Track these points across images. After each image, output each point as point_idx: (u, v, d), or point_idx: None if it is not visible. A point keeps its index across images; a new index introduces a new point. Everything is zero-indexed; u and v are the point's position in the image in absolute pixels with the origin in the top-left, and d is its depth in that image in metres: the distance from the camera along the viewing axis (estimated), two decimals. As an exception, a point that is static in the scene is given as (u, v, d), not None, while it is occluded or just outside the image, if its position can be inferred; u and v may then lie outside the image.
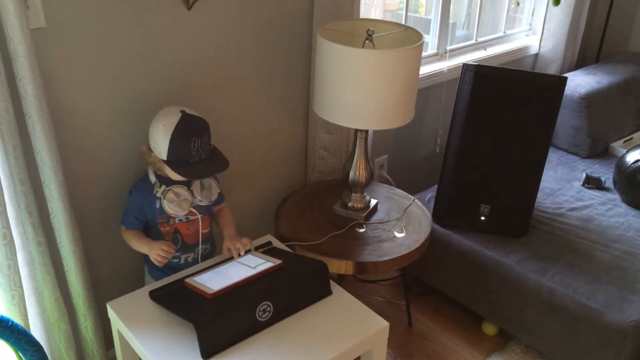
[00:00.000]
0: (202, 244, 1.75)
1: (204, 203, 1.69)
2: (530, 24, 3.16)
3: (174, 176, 1.61)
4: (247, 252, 1.72)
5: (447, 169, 2.19)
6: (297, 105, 2.17)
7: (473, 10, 2.87)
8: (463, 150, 2.13)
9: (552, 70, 3.11)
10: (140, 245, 1.67)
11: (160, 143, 1.56)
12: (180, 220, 1.69)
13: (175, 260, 1.73)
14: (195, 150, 1.56)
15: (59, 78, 1.55)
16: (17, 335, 1.45)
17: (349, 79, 1.77)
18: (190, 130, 1.55)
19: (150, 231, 1.71)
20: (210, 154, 1.61)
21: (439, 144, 2.81)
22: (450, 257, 2.21)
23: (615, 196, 2.45)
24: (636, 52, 3.20)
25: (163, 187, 1.62)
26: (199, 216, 1.70)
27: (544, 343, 2.02)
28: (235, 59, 1.90)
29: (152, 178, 1.64)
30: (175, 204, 1.62)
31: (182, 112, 1.57)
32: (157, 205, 1.65)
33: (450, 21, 2.66)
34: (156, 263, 1.61)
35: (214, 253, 1.82)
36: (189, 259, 1.75)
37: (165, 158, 1.57)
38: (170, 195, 1.62)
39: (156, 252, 1.60)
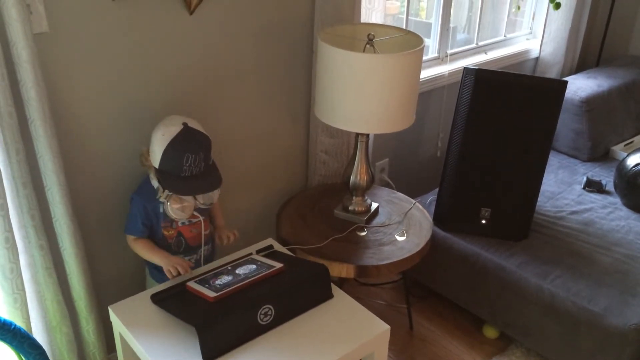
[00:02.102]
0: (204, 245, 1.75)
1: (205, 206, 1.70)
2: (530, 28, 3.16)
3: None
4: (248, 255, 1.73)
5: (448, 173, 2.20)
6: (298, 109, 2.17)
7: (474, 14, 2.87)
8: (464, 154, 2.14)
9: (553, 74, 3.12)
10: (153, 256, 1.66)
11: (155, 150, 1.57)
12: (183, 223, 1.70)
13: None
14: (187, 165, 1.54)
15: (61, 83, 1.56)
16: (20, 339, 1.46)
17: (350, 83, 1.77)
18: (186, 145, 1.54)
19: (153, 236, 1.71)
20: (204, 169, 1.59)
21: (439, 148, 2.82)
22: (451, 261, 2.22)
23: (616, 199, 2.45)
24: (636, 56, 3.21)
25: (166, 192, 1.62)
26: (201, 219, 1.71)
27: (545, 346, 2.03)
28: (237, 63, 1.91)
29: (155, 183, 1.63)
30: (178, 208, 1.62)
31: (184, 124, 1.56)
32: (161, 210, 1.65)
33: (451, 25, 2.66)
34: (168, 275, 1.60)
35: (214, 254, 1.83)
36: (192, 261, 1.75)
37: (157, 166, 1.58)
38: (173, 200, 1.62)
39: (173, 266, 1.59)
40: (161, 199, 1.62)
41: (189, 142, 1.55)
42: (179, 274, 1.60)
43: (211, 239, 1.81)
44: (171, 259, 1.63)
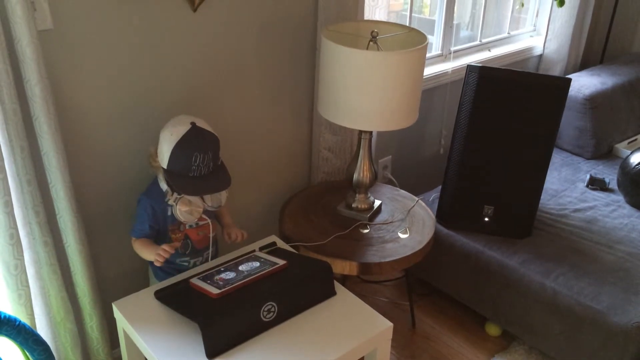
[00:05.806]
0: (210, 247, 1.75)
1: (214, 209, 1.69)
2: (534, 25, 3.16)
3: None
4: (251, 252, 1.73)
5: (451, 170, 2.20)
6: (302, 107, 2.17)
7: (477, 11, 2.87)
8: (467, 151, 2.14)
9: (556, 71, 3.11)
10: (148, 253, 1.64)
11: (164, 150, 1.55)
12: (190, 226, 1.69)
13: (185, 264, 1.73)
14: (195, 165, 1.53)
15: (65, 80, 1.56)
16: (24, 335, 1.47)
17: (353, 81, 1.77)
18: (194, 145, 1.53)
19: (160, 238, 1.69)
20: (213, 170, 1.58)
21: (442, 145, 2.81)
22: (454, 258, 2.22)
23: (619, 197, 2.45)
24: (641, 53, 3.20)
25: (175, 194, 1.60)
26: (209, 221, 1.70)
27: (547, 344, 2.03)
28: (240, 60, 1.91)
29: (164, 186, 1.62)
30: (187, 211, 1.60)
31: (193, 124, 1.55)
32: (169, 213, 1.64)
33: (455, 22, 2.66)
34: (155, 263, 1.58)
35: (218, 255, 1.83)
36: (197, 263, 1.75)
37: (165, 166, 1.57)
38: (182, 202, 1.60)
39: (157, 253, 1.56)
40: (170, 202, 1.61)
41: (197, 141, 1.53)
42: (164, 259, 1.57)
43: (216, 242, 1.81)
44: (154, 249, 1.60)
